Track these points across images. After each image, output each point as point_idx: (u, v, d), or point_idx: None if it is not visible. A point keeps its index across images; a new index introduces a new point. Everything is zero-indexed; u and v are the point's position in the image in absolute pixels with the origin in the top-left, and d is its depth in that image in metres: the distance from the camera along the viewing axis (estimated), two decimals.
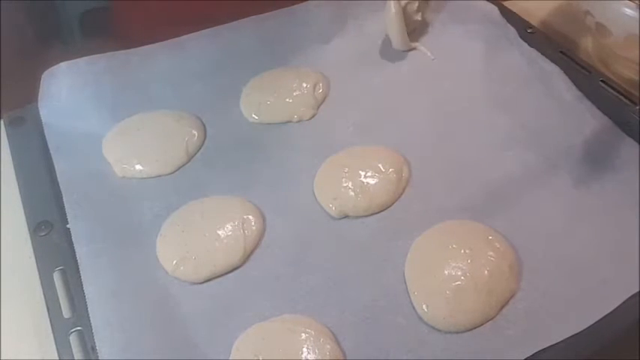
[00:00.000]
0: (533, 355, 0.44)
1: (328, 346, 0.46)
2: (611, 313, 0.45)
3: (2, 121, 0.64)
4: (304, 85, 0.67)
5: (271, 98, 0.67)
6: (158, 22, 0.75)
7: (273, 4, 0.73)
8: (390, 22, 0.69)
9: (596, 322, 0.45)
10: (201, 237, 0.54)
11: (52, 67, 0.64)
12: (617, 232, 0.52)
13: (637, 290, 0.47)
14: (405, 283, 0.51)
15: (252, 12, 0.71)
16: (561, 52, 0.66)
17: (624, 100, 0.60)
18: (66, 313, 0.48)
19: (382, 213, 0.56)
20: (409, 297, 0.50)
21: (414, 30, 0.72)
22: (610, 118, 0.59)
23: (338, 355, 0.46)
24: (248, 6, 0.71)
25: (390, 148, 0.61)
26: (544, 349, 0.44)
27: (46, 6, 0.75)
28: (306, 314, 0.49)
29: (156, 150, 0.62)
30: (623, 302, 0.46)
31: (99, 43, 0.73)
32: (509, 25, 0.69)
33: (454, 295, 0.49)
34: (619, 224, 0.53)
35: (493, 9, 0.70)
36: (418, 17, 0.72)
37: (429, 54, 0.70)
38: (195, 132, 0.63)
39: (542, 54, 0.66)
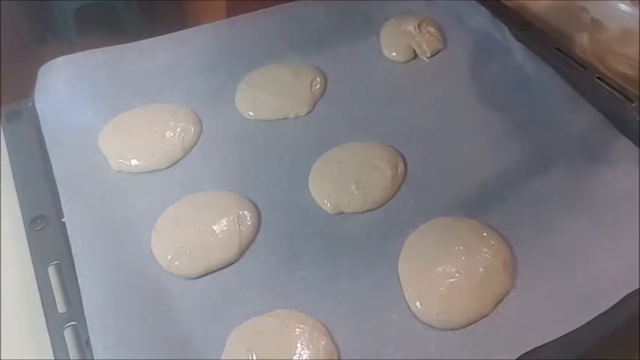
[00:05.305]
0: (527, 352, 0.44)
1: (322, 342, 0.46)
2: (607, 310, 0.46)
3: None
4: (301, 81, 0.67)
5: (268, 94, 0.66)
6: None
7: (271, 4, 0.73)
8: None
9: (591, 320, 0.45)
10: (196, 232, 0.54)
11: (49, 62, 0.63)
12: (614, 230, 0.52)
13: (636, 287, 0.47)
14: (399, 279, 0.51)
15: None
16: (557, 48, 0.66)
17: (620, 96, 0.60)
18: (60, 307, 0.48)
19: (377, 209, 0.56)
20: (403, 294, 0.50)
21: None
22: (606, 114, 0.59)
23: (332, 351, 0.46)
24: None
25: (386, 144, 0.61)
26: (539, 346, 0.44)
27: (41, 3, 0.75)
28: (300, 310, 0.49)
29: (152, 144, 0.62)
30: (620, 300, 0.46)
31: (94, 38, 0.72)
32: (502, 24, 0.69)
33: (448, 291, 0.49)
34: (615, 221, 0.53)
35: (487, 9, 0.70)
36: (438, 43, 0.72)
37: (424, 58, 0.70)
38: (191, 127, 0.63)
39: (538, 50, 0.66)
